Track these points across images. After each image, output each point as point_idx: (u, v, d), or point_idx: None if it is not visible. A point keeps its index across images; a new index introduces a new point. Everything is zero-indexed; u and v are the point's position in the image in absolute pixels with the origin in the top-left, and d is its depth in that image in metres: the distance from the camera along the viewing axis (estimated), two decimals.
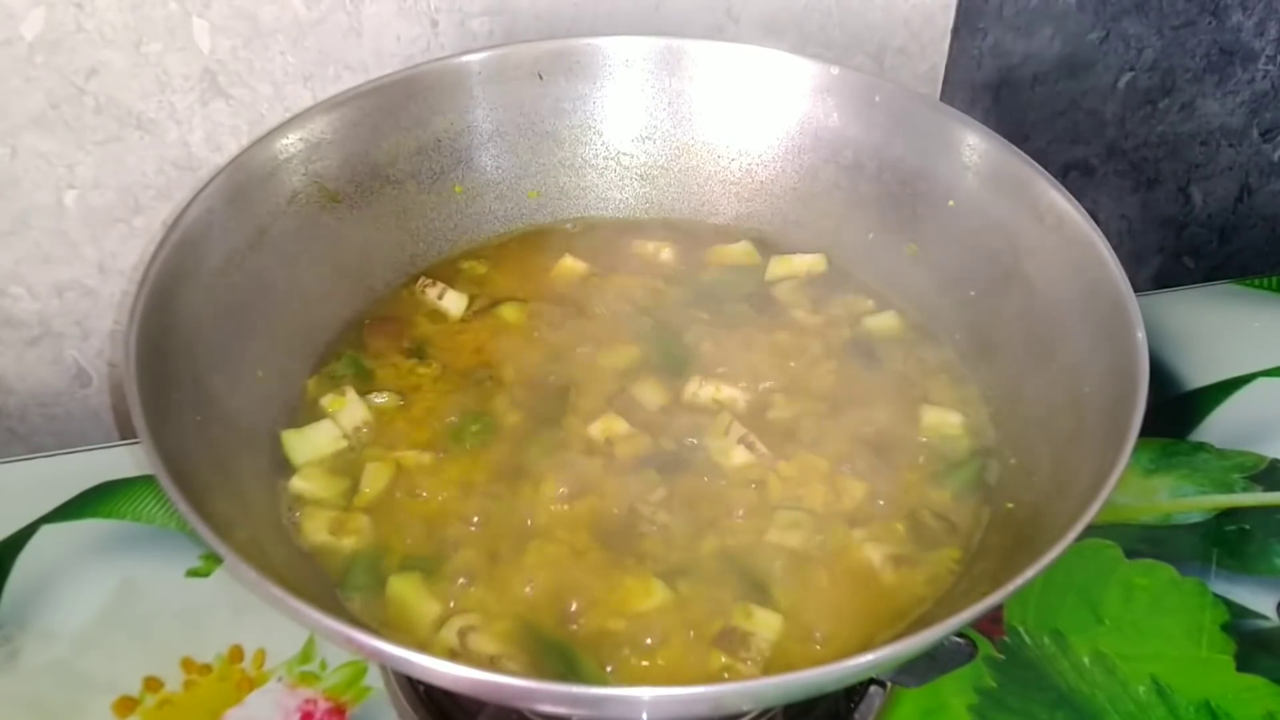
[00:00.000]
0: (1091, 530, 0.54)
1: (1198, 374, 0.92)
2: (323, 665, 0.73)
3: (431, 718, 0.69)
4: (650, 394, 0.72)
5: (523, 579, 0.62)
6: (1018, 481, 0.67)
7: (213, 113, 0.84)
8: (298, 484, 0.66)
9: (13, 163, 0.83)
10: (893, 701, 0.71)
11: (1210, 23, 0.99)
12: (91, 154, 0.84)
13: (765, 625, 0.60)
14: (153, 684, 0.72)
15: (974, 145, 0.74)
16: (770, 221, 0.83)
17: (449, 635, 0.60)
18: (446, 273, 0.80)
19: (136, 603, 0.76)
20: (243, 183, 0.69)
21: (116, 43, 0.79)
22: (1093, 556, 0.79)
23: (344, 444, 0.69)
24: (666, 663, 0.59)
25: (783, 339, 0.76)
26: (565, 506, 0.65)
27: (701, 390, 0.71)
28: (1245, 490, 0.84)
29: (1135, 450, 0.56)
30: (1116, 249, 0.66)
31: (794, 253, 0.81)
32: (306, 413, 0.70)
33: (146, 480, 0.83)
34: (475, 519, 0.65)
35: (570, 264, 0.80)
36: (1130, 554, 0.80)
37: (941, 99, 0.97)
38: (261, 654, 0.73)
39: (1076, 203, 0.69)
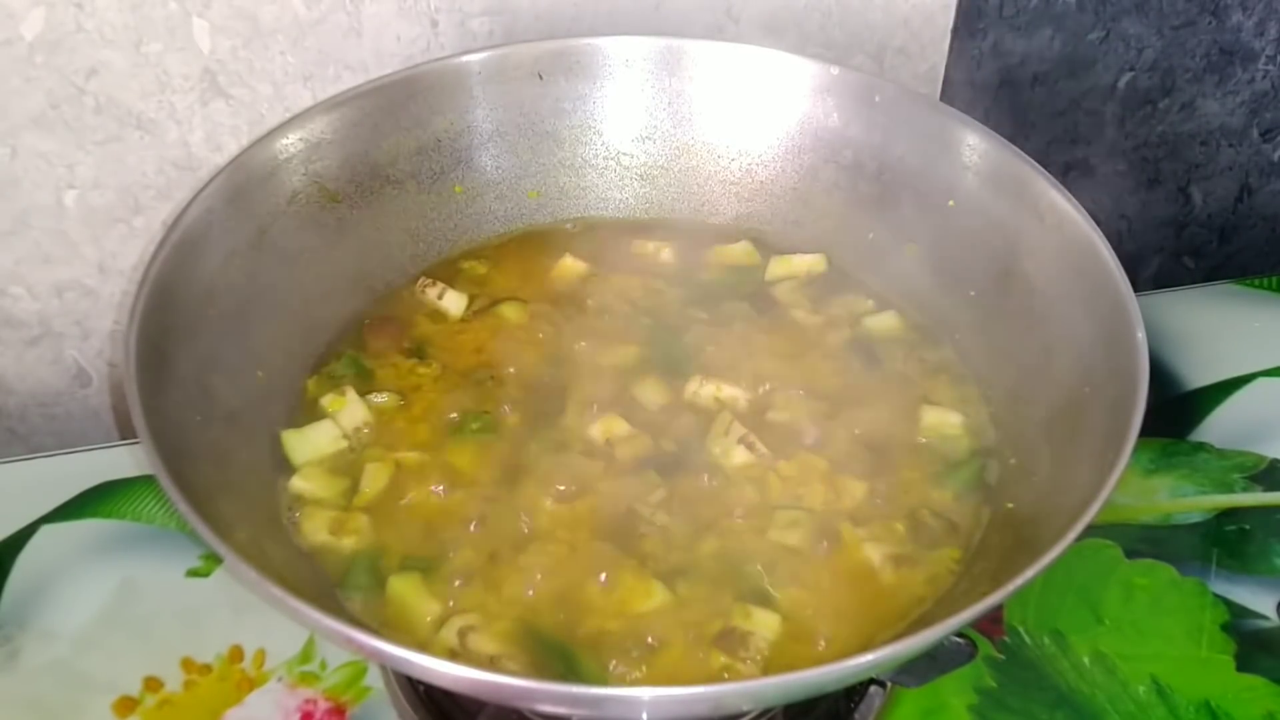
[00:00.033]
0: (1091, 530, 0.54)
1: (1198, 374, 0.92)
2: (323, 665, 0.73)
3: (431, 718, 0.69)
4: (650, 394, 0.72)
5: (523, 579, 0.62)
6: (1018, 481, 0.67)
7: (213, 113, 0.84)
8: (298, 484, 0.66)
9: (13, 163, 0.83)
10: (893, 701, 0.71)
11: (1210, 23, 0.99)
12: (91, 154, 0.84)
13: (764, 625, 0.60)
14: (153, 684, 0.72)
15: (974, 145, 0.74)
16: (770, 221, 0.83)
17: (449, 635, 0.60)
18: (446, 273, 0.80)
19: (136, 603, 0.76)
20: (243, 183, 0.69)
21: (116, 43, 0.79)
22: (1093, 556, 0.79)
23: (344, 444, 0.69)
24: (666, 663, 0.59)
25: (783, 339, 0.76)
26: (565, 507, 0.65)
27: (701, 390, 0.71)
28: (1245, 490, 0.84)
29: (1135, 450, 0.56)
30: (1116, 249, 0.66)
31: (794, 253, 0.81)
32: (306, 413, 0.70)
33: (146, 480, 0.83)
34: (475, 519, 0.65)
35: (570, 264, 0.80)
36: (1130, 554, 0.80)
37: (941, 99, 0.97)
38: (261, 654, 0.73)
39: (1076, 203, 0.69)
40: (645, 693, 0.49)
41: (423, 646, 0.59)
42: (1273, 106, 1.06)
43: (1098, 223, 0.67)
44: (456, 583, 0.62)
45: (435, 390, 0.72)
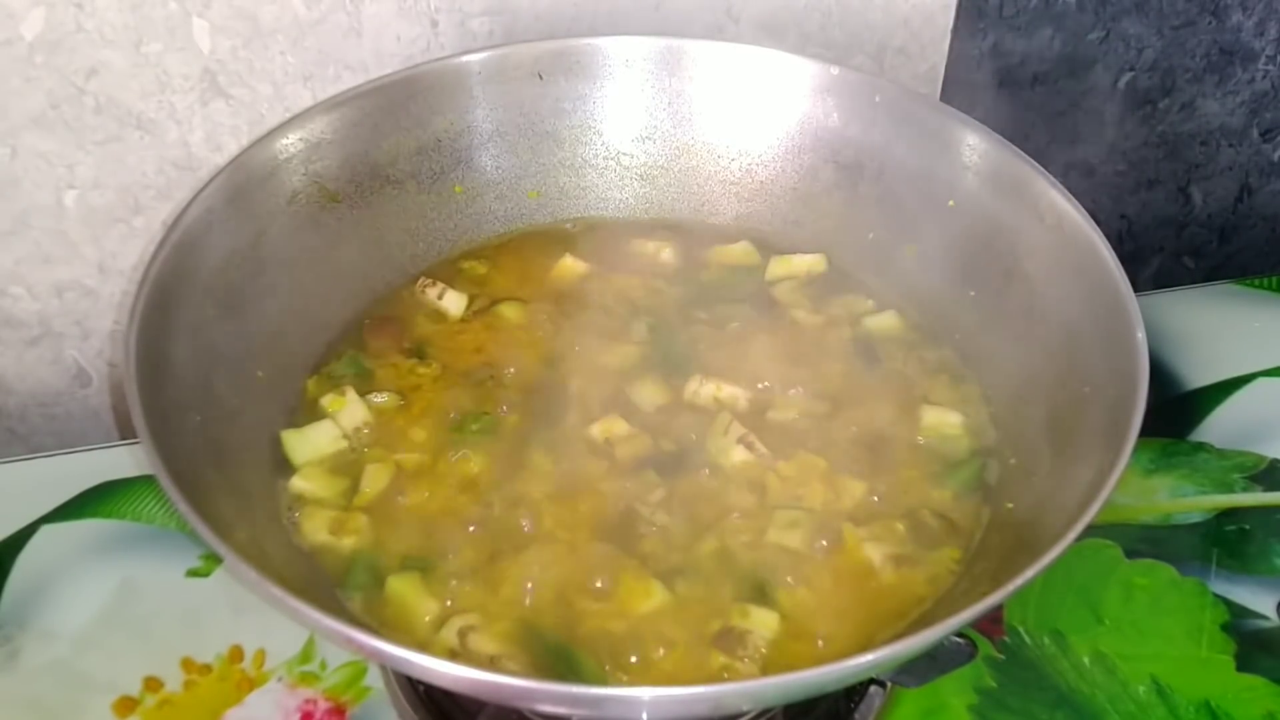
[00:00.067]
0: (1091, 530, 0.54)
1: (1198, 374, 0.92)
2: (323, 665, 0.73)
3: (431, 718, 0.69)
4: (650, 394, 0.72)
5: (523, 579, 0.62)
6: (1018, 481, 0.67)
7: (213, 113, 0.84)
8: (298, 484, 0.66)
9: (13, 163, 0.83)
10: (893, 701, 0.71)
11: (1210, 23, 0.99)
12: (91, 154, 0.84)
13: (762, 623, 0.60)
14: (153, 684, 0.72)
15: (974, 145, 0.74)
16: (770, 221, 0.83)
17: (449, 635, 0.60)
18: (446, 273, 0.80)
19: (136, 603, 0.76)
20: (243, 183, 0.69)
21: (116, 43, 0.79)
22: (1093, 556, 0.79)
23: (344, 444, 0.69)
24: (666, 662, 0.59)
25: (783, 339, 0.75)
26: (565, 506, 0.65)
27: (701, 390, 0.71)
28: (1245, 490, 0.84)
29: (1135, 450, 0.56)
30: (1116, 249, 0.66)
31: (794, 253, 0.81)
32: (306, 413, 0.70)
33: (146, 480, 0.83)
34: (475, 519, 0.65)
35: (570, 264, 0.80)
36: (1130, 554, 0.80)
37: (941, 99, 0.97)
38: (261, 654, 0.73)
39: (1076, 203, 0.69)
40: (645, 693, 0.49)
41: (423, 646, 0.59)
42: (1273, 106, 1.06)
43: (1098, 223, 0.67)
44: (456, 583, 0.62)
45: (435, 390, 0.72)
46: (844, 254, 0.81)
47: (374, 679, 0.72)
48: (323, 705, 0.71)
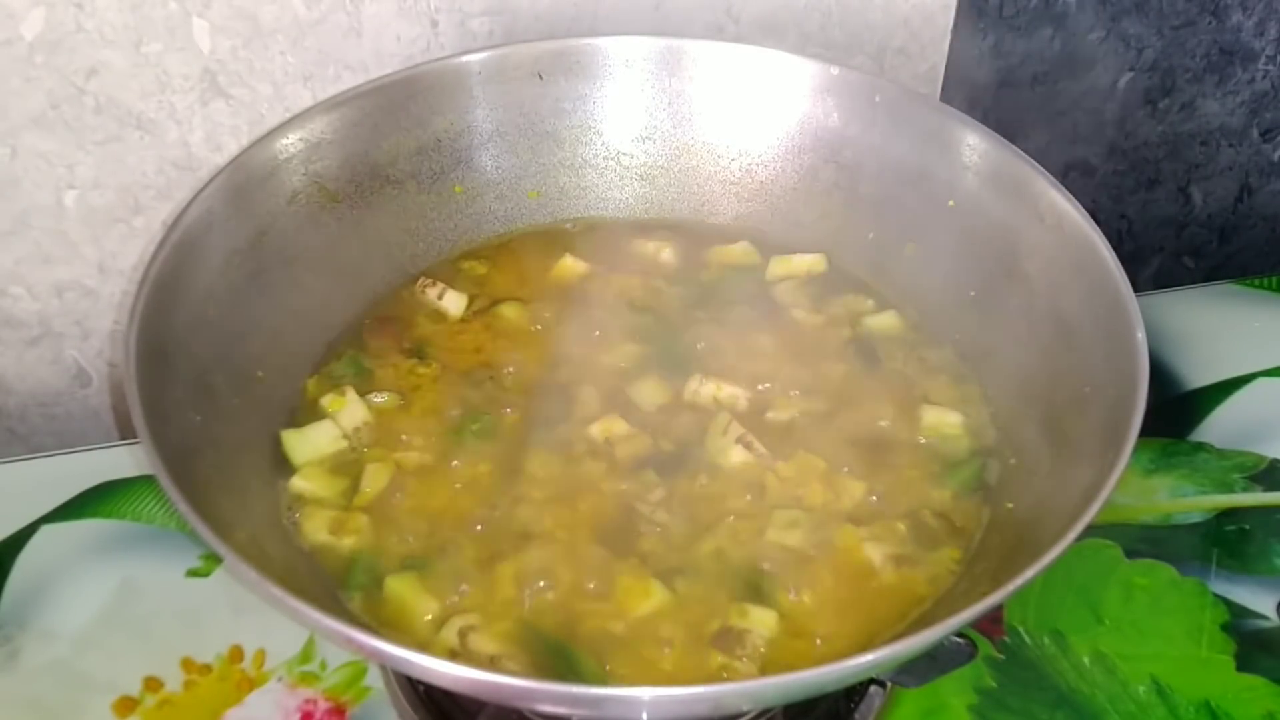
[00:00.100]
0: (1091, 530, 0.54)
1: (1198, 374, 0.92)
2: (323, 665, 0.73)
3: (431, 718, 0.69)
4: (650, 394, 0.72)
5: (522, 579, 0.62)
6: (1018, 481, 0.67)
7: (213, 113, 0.84)
8: (298, 484, 0.66)
9: (13, 163, 0.83)
10: (893, 701, 0.71)
11: (1210, 23, 0.99)
12: (91, 154, 0.84)
13: (760, 623, 0.60)
14: (153, 684, 0.72)
15: (974, 145, 0.74)
16: (770, 221, 0.83)
17: (449, 635, 0.60)
18: (446, 273, 0.80)
19: (136, 603, 0.76)
20: (243, 183, 0.69)
21: (116, 43, 0.79)
22: (1093, 556, 0.79)
23: (344, 444, 0.69)
24: (666, 662, 0.59)
25: (783, 339, 0.76)
26: (565, 506, 0.65)
27: (701, 390, 0.71)
28: (1245, 490, 0.84)
29: (1135, 450, 0.56)
30: (1116, 249, 0.66)
31: (794, 253, 0.81)
32: (306, 413, 0.70)
33: (146, 480, 0.83)
34: (475, 519, 0.65)
35: (570, 264, 0.80)
36: (1130, 554, 0.80)
37: (941, 99, 0.97)
38: (261, 654, 0.73)
39: (1076, 203, 0.69)
40: (645, 693, 0.49)
41: (423, 646, 0.59)
42: (1273, 106, 1.06)
43: (1098, 223, 0.67)
44: (456, 583, 0.62)
45: (435, 390, 0.72)
46: (844, 254, 0.81)
47: (374, 679, 0.72)
48: (323, 705, 0.71)
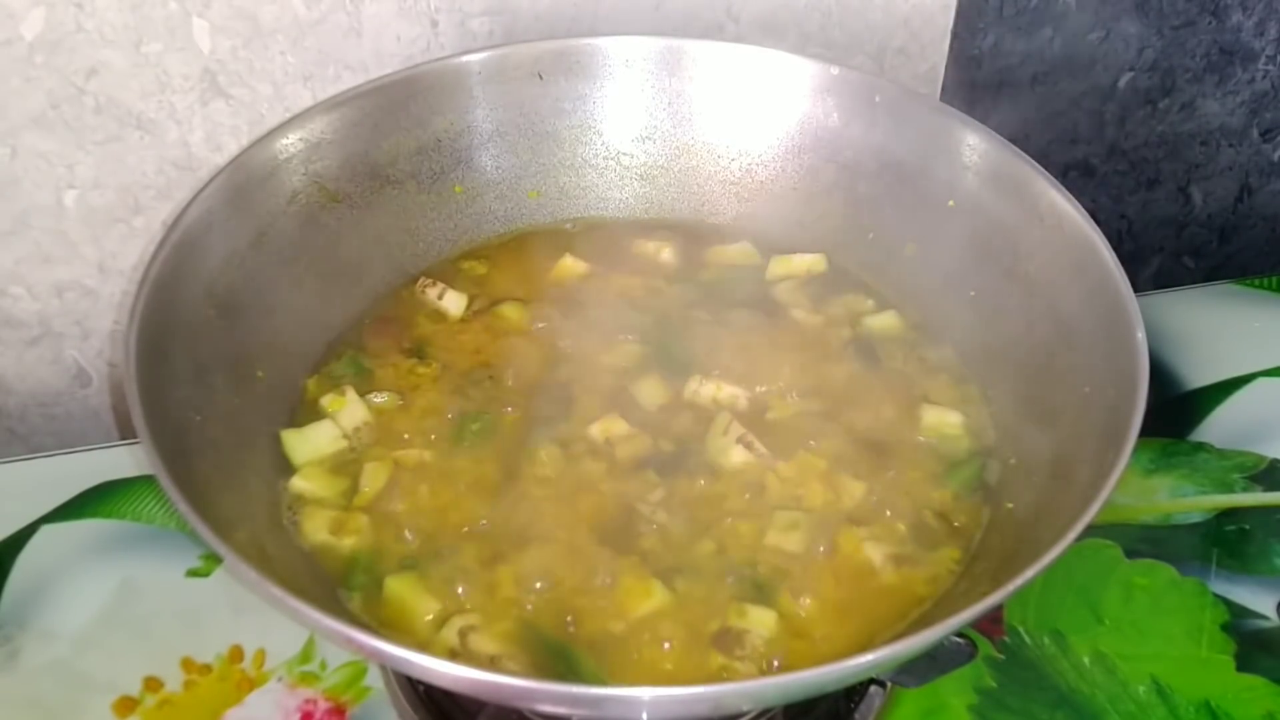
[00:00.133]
0: (1091, 530, 0.54)
1: (1198, 374, 0.92)
2: (323, 665, 0.73)
3: (431, 718, 0.69)
4: (650, 394, 0.72)
5: (522, 579, 0.62)
6: (1018, 481, 0.67)
7: (213, 113, 0.84)
8: (298, 484, 0.67)
9: (13, 163, 0.83)
10: (893, 701, 0.71)
11: (1210, 23, 0.99)
12: (91, 154, 0.84)
13: (760, 623, 0.60)
14: (153, 684, 0.72)
15: (974, 145, 0.74)
16: (770, 221, 0.83)
17: (449, 635, 0.60)
18: (446, 273, 0.80)
19: (136, 603, 0.76)
20: (243, 183, 0.70)
21: (116, 43, 0.79)
22: (1093, 556, 0.79)
23: (344, 444, 0.69)
24: (666, 662, 0.59)
25: (783, 339, 0.75)
26: (565, 506, 0.65)
27: (701, 390, 0.71)
28: (1245, 490, 0.84)
29: (1135, 450, 0.56)
30: (1116, 249, 0.66)
31: (794, 253, 0.81)
32: (306, 413, 0.70)
33: (146, 480, 0.83)
34: (475, 519, 0.65)
35: (570, 264, 0.80)
36: (1130, 554, 0.80)
37: (941, 99, 0.97)
38: (261, 654, 0.73)
39: (1076, 203, 0.69)
40: (645, 693, 0.49)
41: (423, 646, 0.59)
42: (1273, 106, 1.06)
43: (1098, 223, 0.67)
44: (456, 583, 0.62)
45: (435, 390, 0.72)
46: (844, 254, 0.81)
47: (374, 679, 0.72)
48: (323, 705, 0.71)
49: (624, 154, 0.84)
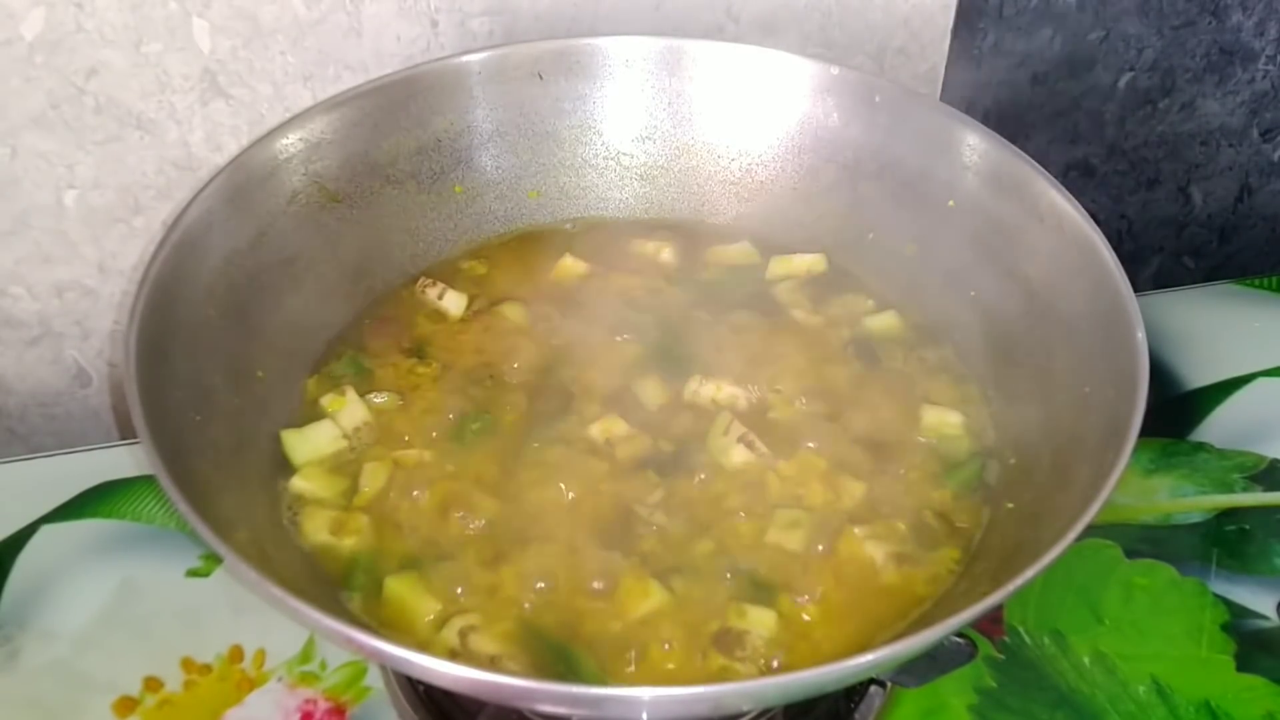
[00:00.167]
0: (1091, 530, 0.54)
1: (1198, 374, 0.92)
2: (323, 665, 0.73)
3: (431, 718, 0.69)
4: (650, 394, 0.72)
5: (523, 579, 0.62)
6: (1018, 481, 0.67)
7: (213, 113, 0.84)
8: (298, 484, 0.67)
9: (13, 163, 0.83)
10: (893, 701, 0.71)
11: (1210, 23, 0.99)
12: (91, 154, 0.84)
13: (759, 623, 0.60)
14: (153, 684, 0.72)
15: (974, 145, 0.74)
16: (770, 221, 0.83)
17: (449, 635, 0.60)
18: (446, 273, 0.80)
19: (136, 603, 0.76)
20: (243, 183, 0.70)
21: (116, 43, 0.79)
22: (1093, 556, 0.79)
23: (344, 444, 0.69)
24: (666, 662, 0.59)
25: (783, 339, 0.75)
26: (565, 507, 0.65)
27: (701, 390, 0.71)
28: (1245, 490, 0.84)
29: (1135, 450, 0.56)
30: (1116, 249, 0.66)
31: (794, 253, 0.81)
32: (306, 413, 0.70)
33: (146, 480, 0.83)
34: (475, 519, 0.65)
35: (570, 264, 0.80)
36: (1130, 554, 0.80)
37: (941, 99, 0.97)
38: (261, 654, 0.73)
39: (1076, 203, 0.69)
40: (645, 693, 0.49)
41: (423, 646, 0.59)
42: (1273, 106, 1.06)
43: (1098, 223, 0.67)
44: (456, 583, 0.62)
45: (435, 390, 0.72)
46: (844, 254, 0.81)
47: (374, 679, 0.72)
48: (323, 705, 0.71)
49: (624, 154, 0.84)
